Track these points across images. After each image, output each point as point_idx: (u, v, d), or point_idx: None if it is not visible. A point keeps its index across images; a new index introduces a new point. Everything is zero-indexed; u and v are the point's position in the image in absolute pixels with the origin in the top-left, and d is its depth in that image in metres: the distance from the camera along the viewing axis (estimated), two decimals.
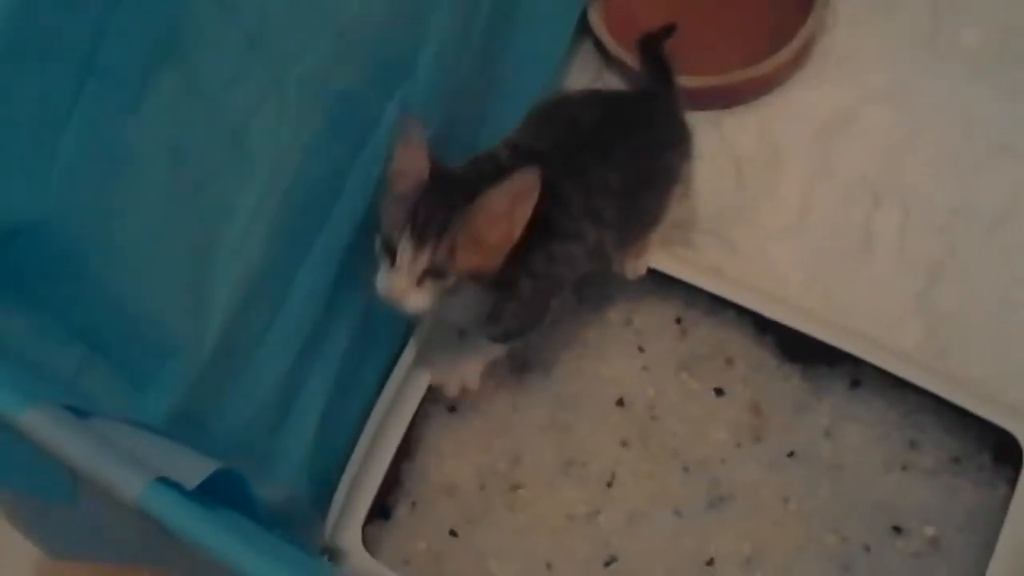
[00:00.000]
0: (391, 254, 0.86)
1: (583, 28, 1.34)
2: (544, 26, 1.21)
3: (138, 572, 1.05)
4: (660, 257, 1.10)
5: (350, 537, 1.02)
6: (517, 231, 0.87)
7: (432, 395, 1.09)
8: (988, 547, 0.93)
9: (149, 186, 0.78)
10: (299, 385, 0.97)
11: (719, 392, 1.09)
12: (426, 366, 1.09)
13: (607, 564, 1.02)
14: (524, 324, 1.00)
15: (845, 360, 1.04)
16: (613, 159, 0.97)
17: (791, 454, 1.05)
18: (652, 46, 1.09)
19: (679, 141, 1.06)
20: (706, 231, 1.22)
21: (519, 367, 1.13)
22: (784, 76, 1.30)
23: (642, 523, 1.03)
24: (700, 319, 1.13)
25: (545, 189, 0.86)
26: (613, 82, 1.34)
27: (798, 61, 1.30)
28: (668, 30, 1.09)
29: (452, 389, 1.06)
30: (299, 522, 0.94)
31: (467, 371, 1.05)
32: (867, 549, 0.99)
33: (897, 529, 0.99)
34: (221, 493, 0.66)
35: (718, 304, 1.11)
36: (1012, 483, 0.96)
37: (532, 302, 0.97)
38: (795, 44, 1.26)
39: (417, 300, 0.86)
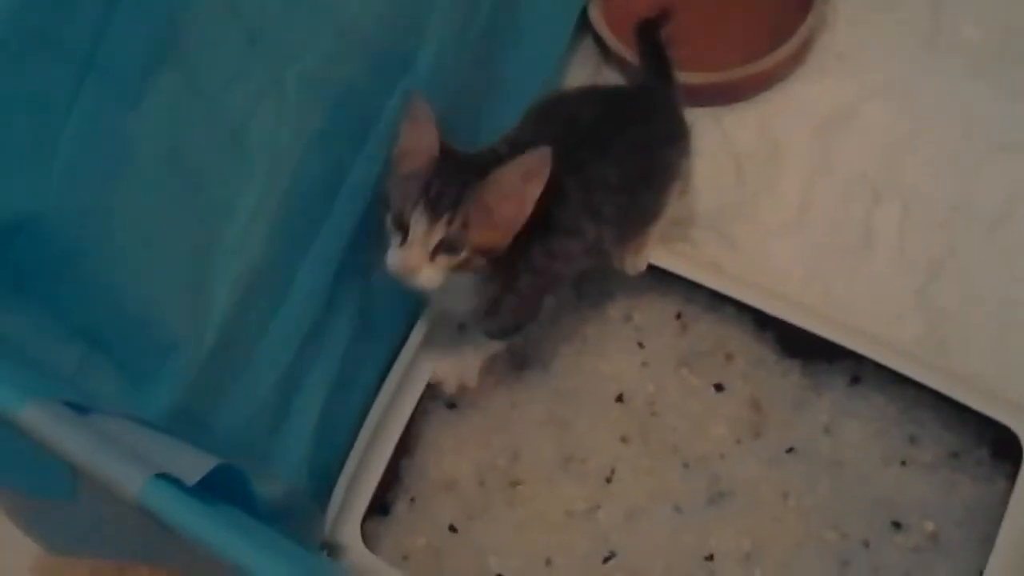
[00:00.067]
0: (403, 230, 0.86)
1: (583, 24, 1.34)
2: (544, 25, 1.21)
3: (137, 568, 1.06)
4: (660, 253, 1.10)
5: (349, 533, 1.02)
6: (528, 209, 0.87)
7: (431, 392, 1.09)
8: (987, 542, 0.93)
9: (149, 184, 0.78)
10: (299, 382, 0.98)
11: (719, 388, 1.09)
12: (425, 363, 1.09)
13: (606, 560, 1.02)
14: (519, 320, 1.00)
15: (845, 356, 1.04)
16: (612, 155, 0.97)
17: (791, 450, 1.05)
18: (650, 31, 1.08)
19: (678, 137, 1.06)
20: (706, 227, 1.22)
21: (518, 363, 1.13)
22: (784, 72, 1.30)
23: (642, 519, 1.04)
24: (700, 315, 1.13)
25: (548, 185, 0.86)
26: (613, 78, 1.34)
27: (798, 58, 1.29)
28: (665, 15, 1.09)
29: (451, 386, 1.06)
30: (299, 518, 0.95)
31: (466, 368, 1.05)
32: (866, 544, 0.99)
33: (896, 524, 1.00)
34: (221, 489, 0.66)
35: (718, 300, 1.11)
36: (1011, 478, 0.96)
37: (529, 297, 0.97)
38: (795, 41, 1.26)
39: (429, 275, 0.86)
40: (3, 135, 0.68)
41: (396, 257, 0.86)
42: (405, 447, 1.09)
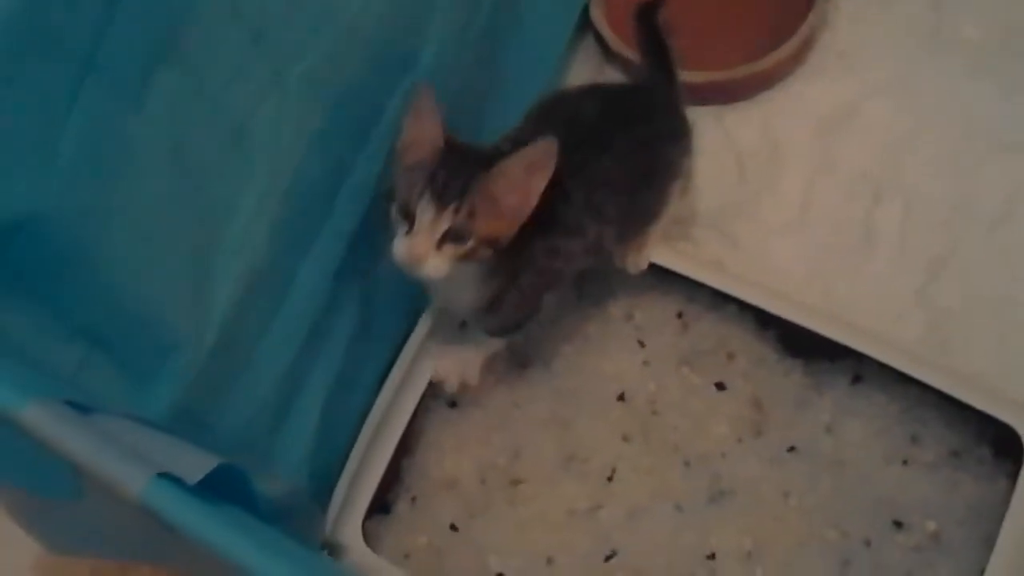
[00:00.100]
0: (409, 219, 0.86)
1: (584, 23, 1.34)
2: (545, 24, 1.21)
3: (138, 568, 1.06)
4: (661, 252, 1.10)
5: (350, 532, 1.02)
6: (533, 201, 0.87)
7: (432, 390, 1.09)
8: (988, 541, 0.93)
9: (150, 183, 0.78)
10: (300, 381, 0.98)
11: (720, 387, 1.09)
12: (427, 361, 1.09)
13: (608, 559, 1.02)
14: (519, 317, 1.00)
15: (846, 355, 1.04)
16: (613, 154, 0.97)
17: (792, 449, 1.05)
18: (648, 15, 1.07)
19: (680, 135, 1.06)
20: (707, 226, 1.22)
21: (519, 362, 1.13)
22: (786, 71, 1.30)
23: (643, 518, 1.04)
24: (701, 314, 1.13)
25: (552, 181, 0.86)
26: (614, 77, 1.34)
27: (800, 56, 1.29)
28: None
29: (453, 384, 1.06)
30: (299, 517, 0.95)
31: (468, 366, 1.05)
32: (868, 544, 0.99)
33: (898, 524, 1.00)
34: (223, 488, 0.66)
35: (719, 299, 1.11)
36: (1012, 477, 0.96)
37: (530, 295, 0.97)
38: (797, 39, 1.26)
39: (436, 264, 0.86)
40: (4, 134, 0.68)
41: (402, 246, 0.86)
42: (406, 446, 1.09)
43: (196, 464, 0.64)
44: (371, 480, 1.05)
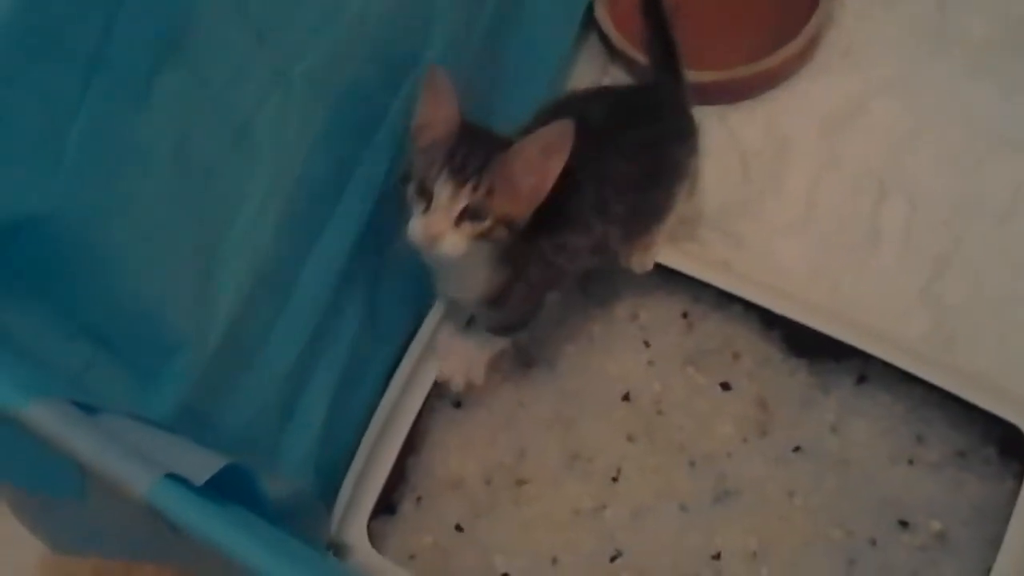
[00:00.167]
0: (427, 198, 0.86)
1: (589, 22, 1.34)
2: (548, 24, 1.21)
3: (143, 567, 1.06)
4: (667, 252, 1.10)
5: (356, 532, 1.02)
6: (549, 183, 0.87)
7: (438, 390, 1.09)
8: (994, 541, 0.93)
9: (155, 181, 0.78)
10: (305, 381, 0.97)
11: (725, 387, 1.09)
12: (432, 361, 1.09)
13: (613, 559, 1.02)
14: (522, 314, 1.00)
15: (852, 355, 1.04)
16: (621, 153, 0.97)
17: (797, 449, 1.05)
18: (655, 6, 1.06)
19: (687, 135, 1.06)
20: (712, 226, 1.22)
21: (524, 362, 1.13)
22: (791, 70, 1.30)
23: (648, 518, 1.03)
24: (706, 314, 1.12)
25: (564, 172, 0.86)
26: (619, 77, 1.34)
27: (805, 55, 1.29)
28: None
29: (458, 383, 1.06)
30: (304, 517, 0.94)
31: (473, 365, 1.05)
32: (873, 543, 0.99)
33: (903, 523, 0.99)
34: (228, 488, 0.66)
35: (724, 299, 1.10)
36: (1018, 477, 0.96)
37: (536, 287, 0.97)
38: (802, 38, 1.25)
39: (453, 241, 0.85)
40: (10, 134, 0.68)
41: (420, 224, 0.86)
42: (411, 446, 1.09)
43: (203, 464, 0.64)
44: (376, 480, 1.05)
